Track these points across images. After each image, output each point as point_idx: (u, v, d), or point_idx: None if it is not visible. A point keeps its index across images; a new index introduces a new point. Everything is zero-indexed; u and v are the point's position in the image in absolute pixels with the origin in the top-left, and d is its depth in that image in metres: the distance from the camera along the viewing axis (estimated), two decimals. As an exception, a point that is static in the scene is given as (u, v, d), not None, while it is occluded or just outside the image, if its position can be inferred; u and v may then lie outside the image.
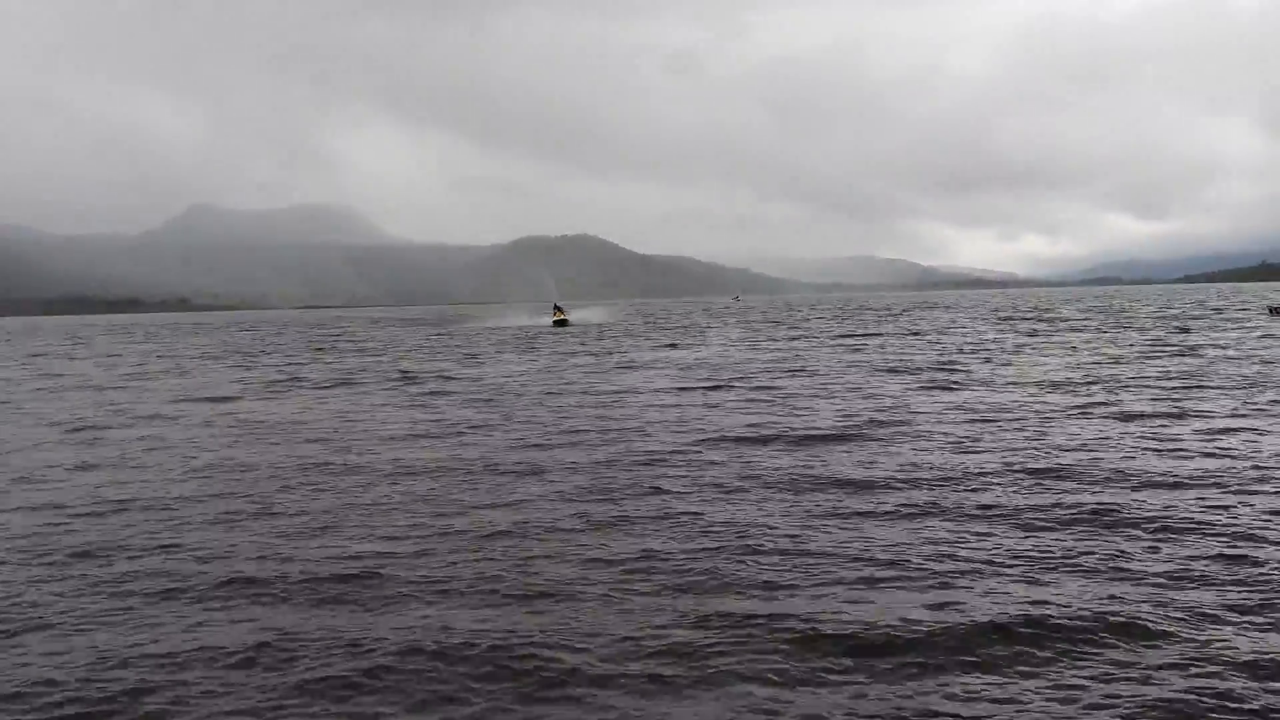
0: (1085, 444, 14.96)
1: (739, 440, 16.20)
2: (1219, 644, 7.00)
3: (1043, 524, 10.29)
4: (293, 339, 70.75)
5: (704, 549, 9.66)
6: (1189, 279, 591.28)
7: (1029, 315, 76.45)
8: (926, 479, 12.63)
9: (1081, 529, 10.07)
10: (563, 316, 76.80)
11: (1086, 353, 33.88)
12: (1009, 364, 29.95)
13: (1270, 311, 60.14)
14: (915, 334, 50.96)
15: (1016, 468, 13.19)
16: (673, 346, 45.45)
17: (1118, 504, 11.03)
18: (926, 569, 8.81)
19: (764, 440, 16.15)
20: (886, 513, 10.93)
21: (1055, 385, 23.36)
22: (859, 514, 10.89)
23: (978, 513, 10.81)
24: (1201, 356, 30.81)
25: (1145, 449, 14.42)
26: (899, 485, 12.32)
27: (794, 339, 49.35)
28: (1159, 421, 17.11)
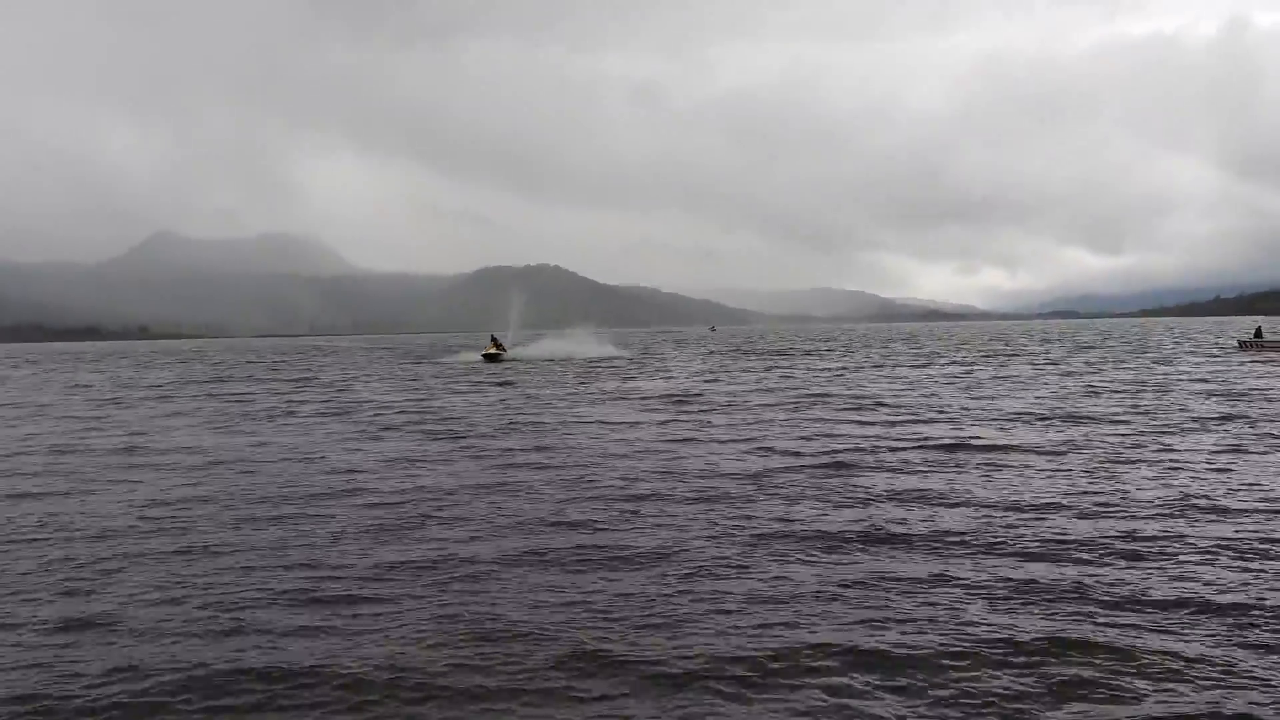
0: (1057, 487, 14.33)
1: (707, 478, 15.37)
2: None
3: (1002, 590, 9.45)
4: (250, 368, 68.96)
5: (661, 595, 9.01)
6: (1145, 313, 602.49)
7: (991, 346, 76.71)
8: (887, 524, 11.83)
9: (1043, 600, 9.16)
10: (494, 350, 64.23)
11: (1060, 387, 33.59)
12: (977, 397, 29.50)
13: (1240, 345, 60.51)
14: (880, 365, 50.66)
15: (983, 513, 12.45)
16: (633, 379, 44.69)
17: (1082, 562, 10.27)
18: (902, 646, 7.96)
19: (728, 477, 15.33)
20: (846, 563, 10.07)
21: (1026, 419, 22.85)
22: (822, 564, 10.05)
23: (942, 562, 9.99)
24: (1178, 390, 30.59)
25: (1115, 489, 13.74)
26: (858, 532, 11.47)
27: (768, 370, 48.78)
28: (1132, 459, 16.56)
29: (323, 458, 19.02)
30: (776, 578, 9.60)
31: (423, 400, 33.52)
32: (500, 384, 41.59)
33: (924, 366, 48.87)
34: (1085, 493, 13.54)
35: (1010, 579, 9.39)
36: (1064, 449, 17.82)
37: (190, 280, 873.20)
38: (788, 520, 12.17)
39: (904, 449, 18.24)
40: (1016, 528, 11.48)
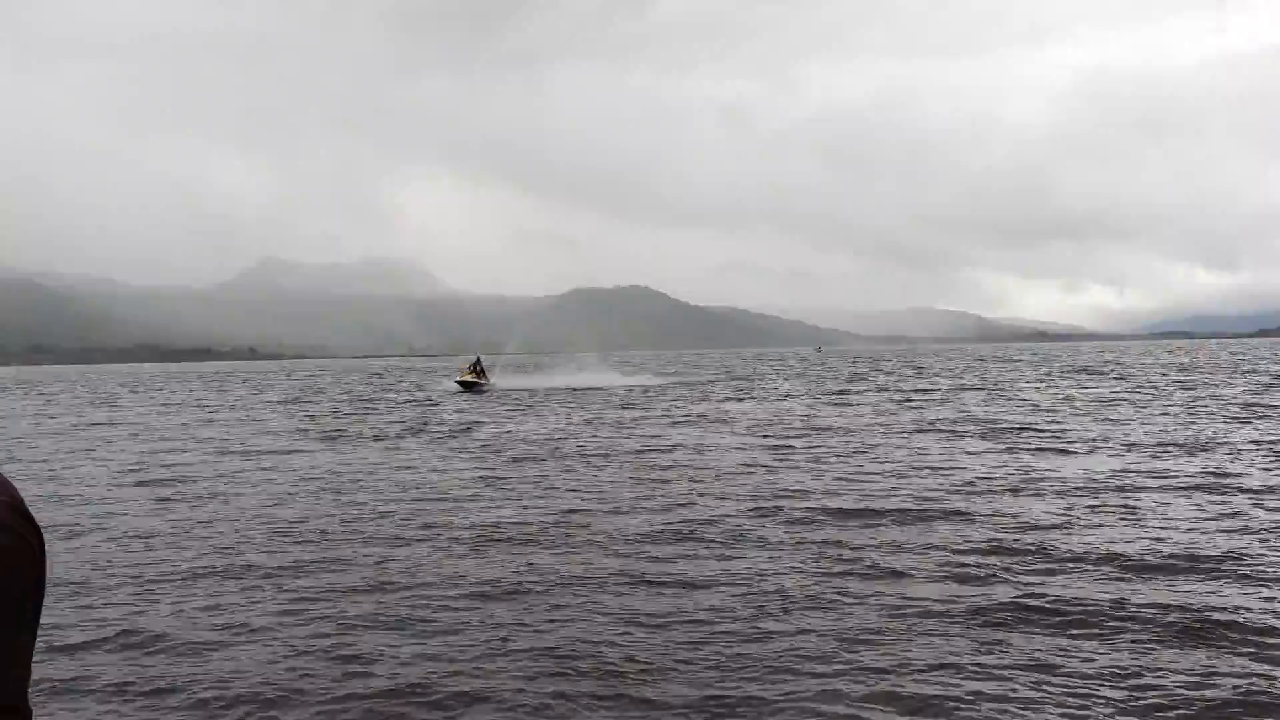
0: (1200, 527, 12.50)
1: (804, 511, 14.02)
2: None
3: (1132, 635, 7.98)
4: (347, 389, 69.84)
5: (758, 654, 7.64)
6: (1264, 333, 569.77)
7: (1109, 367, 72.56)
8: (1014, 583, 10.27)
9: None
10: (470, 377, 54.93)
11: (1205, 413, 30.90)
12: (1103, 422, 27.23)
13: None
14: (985, 388, 47.98)
15: (1116, 569, 10.70)
16: (738, 399, 43.34)
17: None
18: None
19: (836, 514, 13.96)
20: (949, 611, 8.73)
21: (1167, 450, 20.72)
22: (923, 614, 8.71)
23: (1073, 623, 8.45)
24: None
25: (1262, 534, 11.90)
26: (970, 577, 10.00)
27: (873, 392, 46.83)
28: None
29: (416, 478, 18.46)
30: (887, 653, 8.34)
31: (511, 419, 32.92)
32: (588, 405, 40.81)
33: (1038, 390, 46.14)
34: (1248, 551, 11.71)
35: (1170, 672, 7.89)
36: (1220, 487, 15.83)
37: (295, 303, 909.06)
38: (898, 578, 10.76)
39: (1027, 484, 16.53)
40: (1167, 588, 9.83)
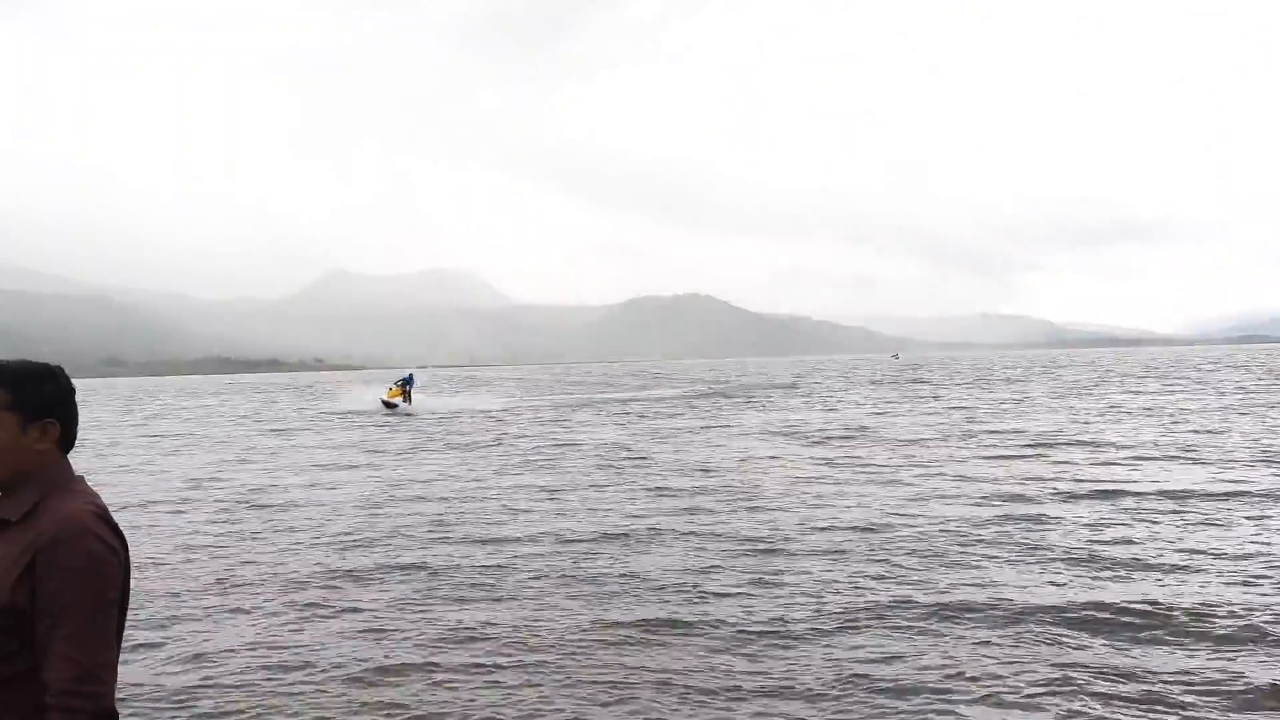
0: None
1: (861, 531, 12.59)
2: None
3: None
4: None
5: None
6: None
7: (1191, 375, 69.07)
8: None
9: None
10: (397, 396, 48.53)
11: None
12: (1201, 433, 25.17)
13: None
14: (1082, 397, 45.55)
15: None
16: (806, 409, 41.76)
17: None
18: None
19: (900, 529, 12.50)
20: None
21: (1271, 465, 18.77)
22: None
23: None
24: None
25: None
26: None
27: (945, 401, 44.88)
28: None
29: (467, 491, 17.44)
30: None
31: (568, 429, 31.95)
32: (645, 416, 39.72)
33: (1131, 395, 43.67)
34: None
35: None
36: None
37: (359, 314, 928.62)
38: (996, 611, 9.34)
39: (1122, 508, 14.87)
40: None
